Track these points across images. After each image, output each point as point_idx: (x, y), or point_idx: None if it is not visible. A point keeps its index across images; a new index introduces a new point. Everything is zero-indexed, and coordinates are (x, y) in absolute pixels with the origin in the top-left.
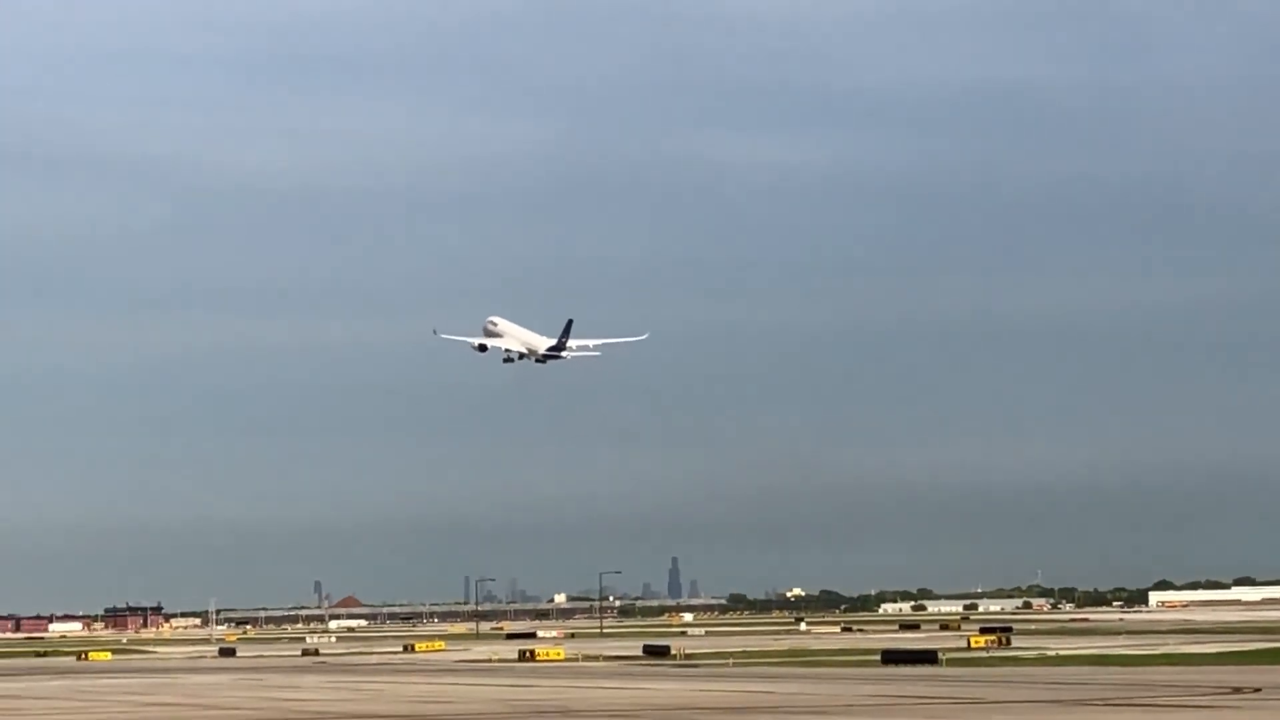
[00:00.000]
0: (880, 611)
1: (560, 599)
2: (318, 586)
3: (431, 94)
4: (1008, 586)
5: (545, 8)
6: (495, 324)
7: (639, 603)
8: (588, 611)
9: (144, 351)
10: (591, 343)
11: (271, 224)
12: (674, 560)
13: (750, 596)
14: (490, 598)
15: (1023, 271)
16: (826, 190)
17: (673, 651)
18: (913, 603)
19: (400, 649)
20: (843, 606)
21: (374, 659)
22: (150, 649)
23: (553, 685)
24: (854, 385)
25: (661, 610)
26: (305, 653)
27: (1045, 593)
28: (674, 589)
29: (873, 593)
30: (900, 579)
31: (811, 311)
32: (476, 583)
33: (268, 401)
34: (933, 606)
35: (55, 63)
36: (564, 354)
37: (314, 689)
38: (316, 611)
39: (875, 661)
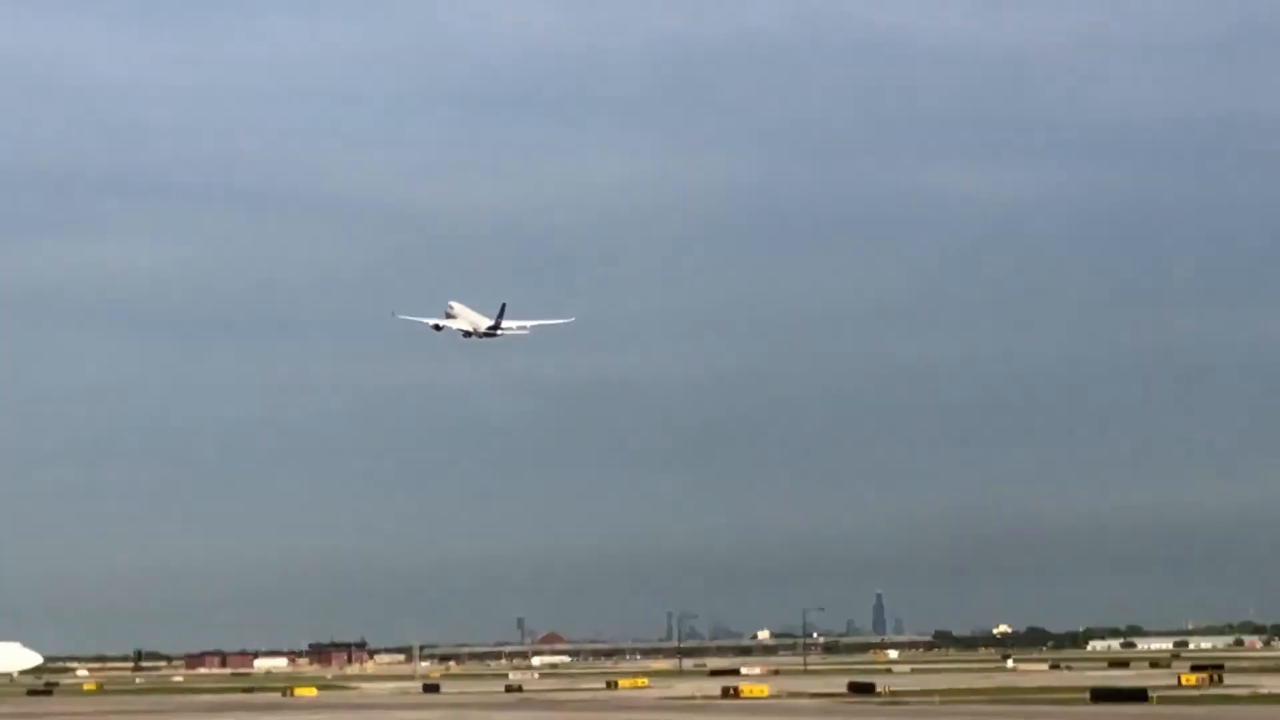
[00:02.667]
0: (1088, 649)
1: (764, 636)
2: (520, 623)
3: (652, 132)
4: (1219, 623)
5: (766, 44)
6: (453, 307)
7: (843, 639)
8: (791, 648)
9: (347, 391)
10: (529, 323)
11: (485, 262)
12: (878, 596)
13: (956, 633)
14: (693, 634)
15: (1238, 304)
16: (1045, 222)
17: (878, 689)
18: (1122, 639)
19: (603, 685)
20: (1050, 643)
21: (577, 696)
22: (355, 685)
23: None
24: (1064, 418)
25: (866, 647)
26: (509, 689)
27: (1258, 629)
28: (878, 625)
29: (1081, 629)
30: (1109, 615)
31: (1020, 344)
32: (679, 619)
33: (473, 438)
34: (1142, 643)
35: (264, 102)
36: (499, 333)
37: None
38: (519, 648)
39: (1084, 700)
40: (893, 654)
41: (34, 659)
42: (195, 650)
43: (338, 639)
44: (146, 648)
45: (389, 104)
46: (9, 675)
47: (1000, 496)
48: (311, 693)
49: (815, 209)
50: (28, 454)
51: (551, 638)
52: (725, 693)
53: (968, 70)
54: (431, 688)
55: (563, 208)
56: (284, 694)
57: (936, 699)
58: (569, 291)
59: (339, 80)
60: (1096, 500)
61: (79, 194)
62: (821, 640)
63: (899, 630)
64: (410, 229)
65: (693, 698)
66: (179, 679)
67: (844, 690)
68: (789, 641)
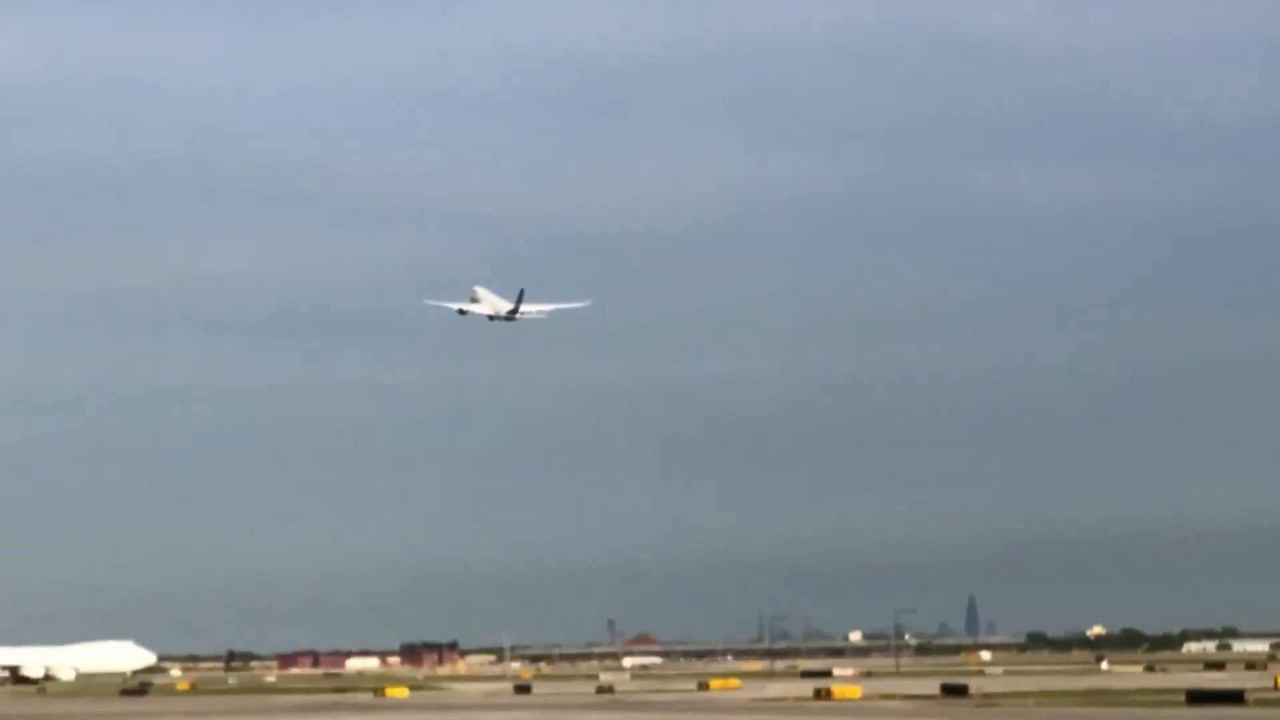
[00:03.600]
0: (1184, 650)
1: (855, 637)
2: (612, 624)
3: (725, 134)
4: None
5: (838, 45)
6: (477, 292)
7: (935, 641)
8: (883, 650)
9: (433, 395)
10: (547, 307)
11: (563, 266)
12: (971, 598)
13: (1049, 635)
14: (785, 636)
15: None
16: (1126, 226)
17: (971, 691)
18: (1218, 641)
19: (695, 687)
20: (1145, 645)
21: (669, 697)
22: (446, 685)
23: None
24: (1160, 419)
25: (958, 649)
26: (600, 690)
27: None
28: (971, 627)
29: (1176, 631)
30: (1205, 617)
31: (1106, 346)
32: (771, 621)
33: (562, 438)
34: (1238, 645)
35: (353, 106)
36: (518, 317)
37: None
38: (610, 649)
39: (1179, 702)
40: (986, 656)
41: (148, 658)
42: (287, 650)
43: (429, 639)
44: (239, 648)
45: (473, 107)
46: (123, 674)
47: (1094, 498)
48: (403, 693)
49: (896, 211)
50: (126, 456)
51: (643, 639)
52: (817, 694)
53: (1048, 71)
54: (523, 688)
55: (644, 213)
56: (375, 694)
57: (1030, 701)
58: (654, 294)
59: (424, 84)
60: (1191, 501)
61: (168, 197)
62: (914, 642)
63: (992, 632)
64: (494, 233)
65: (784, 699)
66: (271, 679)
67: (937, 692)
68: (881, 643)
